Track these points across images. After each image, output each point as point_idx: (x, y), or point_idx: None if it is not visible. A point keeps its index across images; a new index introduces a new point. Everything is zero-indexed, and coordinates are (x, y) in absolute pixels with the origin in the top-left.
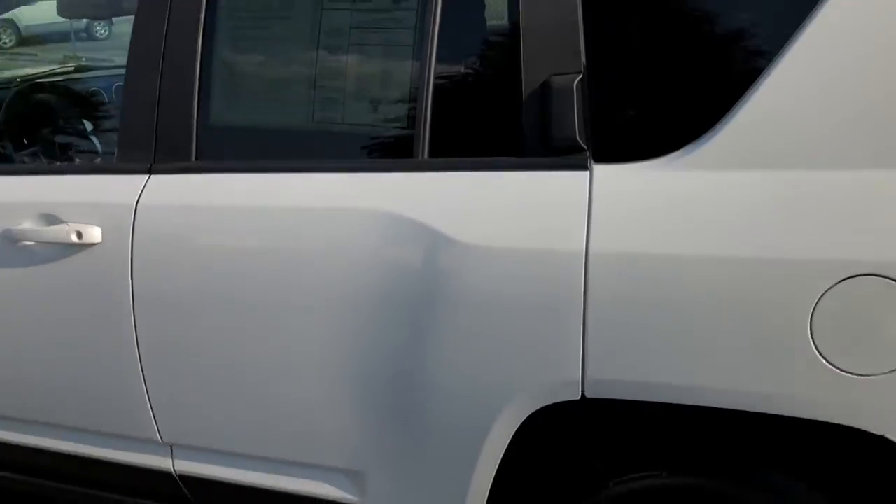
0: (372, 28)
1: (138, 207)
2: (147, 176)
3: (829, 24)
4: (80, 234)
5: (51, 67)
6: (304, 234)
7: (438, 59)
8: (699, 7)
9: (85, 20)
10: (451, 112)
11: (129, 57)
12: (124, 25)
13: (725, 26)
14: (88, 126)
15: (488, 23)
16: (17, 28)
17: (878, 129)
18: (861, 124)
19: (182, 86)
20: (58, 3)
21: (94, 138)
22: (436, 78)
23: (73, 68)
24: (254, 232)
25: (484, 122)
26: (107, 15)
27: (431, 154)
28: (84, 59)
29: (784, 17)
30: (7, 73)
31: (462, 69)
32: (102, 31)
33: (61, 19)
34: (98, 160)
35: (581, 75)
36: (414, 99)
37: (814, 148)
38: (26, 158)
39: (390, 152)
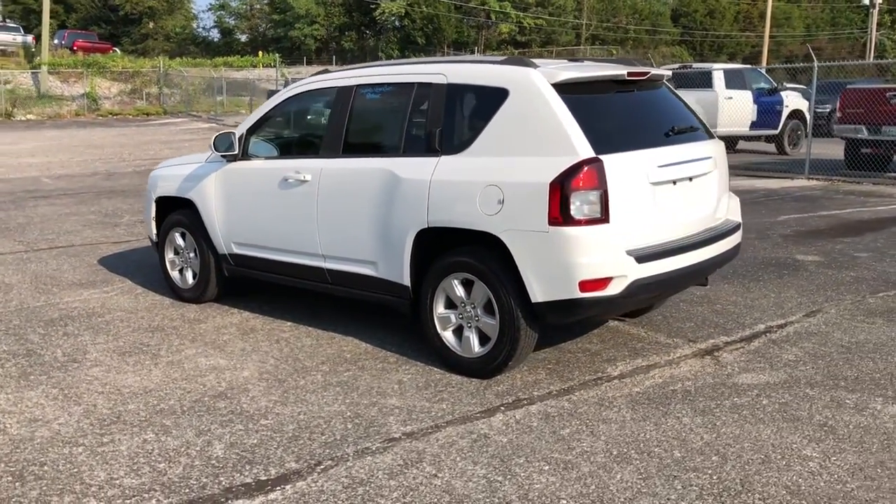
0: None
1: (322, 170)
2: (327, 160)
3: (504, 114)
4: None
5: None
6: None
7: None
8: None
9: None
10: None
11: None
12: None
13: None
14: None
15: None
16: None
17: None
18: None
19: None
20: None
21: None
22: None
23: None
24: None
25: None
26: None
27: (407, 149)
28: None
29: (487, 111)
30: None
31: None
32: None
33: None
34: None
35: (440, 128)
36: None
37: (501, 150)
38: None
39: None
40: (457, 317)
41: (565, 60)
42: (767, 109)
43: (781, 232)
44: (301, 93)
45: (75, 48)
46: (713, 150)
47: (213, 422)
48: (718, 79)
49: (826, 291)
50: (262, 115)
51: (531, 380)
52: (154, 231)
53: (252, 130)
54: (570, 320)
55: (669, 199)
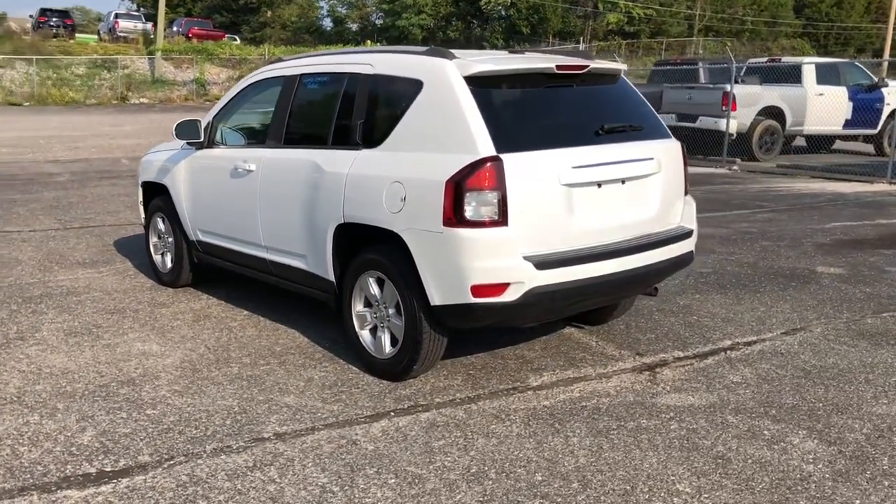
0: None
1: (263, 160)
2: (270, 150)
3: (417, 107)
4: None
5: None
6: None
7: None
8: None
9: None
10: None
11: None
12: None
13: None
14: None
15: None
16: None
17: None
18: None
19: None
20: None
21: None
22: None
23: None
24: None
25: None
26: None
27: (335, 141)
28: None
29: (404, 104)
30: None
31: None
32: None
33: None
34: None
35: (362, 120)
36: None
37: (412, 144)
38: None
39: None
40: (372, 316)
41: (504, 53)
42: (865, 107)
43: (818, 240)
44: (258, 81)
45: (190, 35)
46: (659, 150)
47: (103, 408)
48: (809, 74)
49: (825, 307)
50: (226, 102)
51: (443, 385)
52: (142, 215)
53: (217, 118)
54: (470, 326)
55: (591, 202)
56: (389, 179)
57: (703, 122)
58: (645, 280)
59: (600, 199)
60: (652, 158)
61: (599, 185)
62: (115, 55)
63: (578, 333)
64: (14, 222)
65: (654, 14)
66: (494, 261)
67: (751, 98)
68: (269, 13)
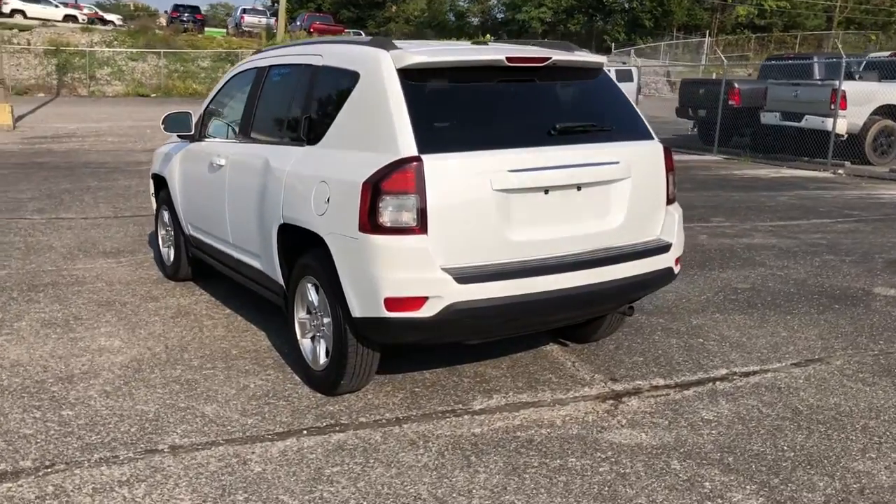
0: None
1: (230, 156)
2: (237, 145)
3: (352, 101)
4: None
5: None
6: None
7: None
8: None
9: None
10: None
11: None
12: None
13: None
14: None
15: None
16: None
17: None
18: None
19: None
20: None
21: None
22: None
23: None
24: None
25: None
26: None
27: (286, 137)
28: None
29: (342, 98)
30: None
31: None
32: None
33: None
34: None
35: (308, 115)
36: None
37: (344, 141)
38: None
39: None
40: (311, 324)
41: (465, 43)
42: None
43: (894, 257)
44: (240, 72)
45: (312, 30)
46: (628, 153)
47: (23, 406)
48: None
49: (860, 336)
50: (214, 94)
51: (377, 402)
52: (154, 206)
53: (207, 111)
54: (394, 342)
55: (535, 210)
56: (317, 179)
57: (810, 122)
58: (607, 298)
59: (548, 207)
60: (617, 162)
61: (546, 192)
62: (237, 49)
63: (558, 351)
64: (73, 209)
65: (787, 6)
66: (410, 272)
67: (865, 96)
68: (394, 8)
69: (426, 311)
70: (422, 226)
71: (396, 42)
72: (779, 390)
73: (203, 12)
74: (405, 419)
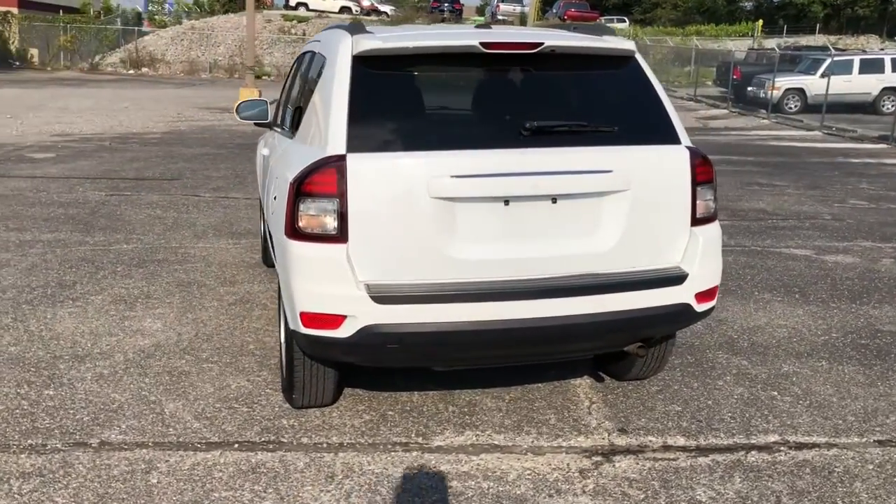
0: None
1: (273, 147)
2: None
3: (317, 90)
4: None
5: None
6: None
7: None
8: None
9: None
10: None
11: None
12: None
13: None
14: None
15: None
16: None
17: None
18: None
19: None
20: None
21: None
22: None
23: None
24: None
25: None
26: None
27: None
28: None
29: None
30: None
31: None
32: None
33: None
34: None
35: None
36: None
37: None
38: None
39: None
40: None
41: (468, 27)
42: None
43: None
44: (299, 56)
45: (566, 17)
46: (628, 161)
47: (14, 381)
48: None
49: None
50: (287, 80)
51: (336, 423)
52: (260, 193)
53: (282, 97)
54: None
55: (491, 223)
56: (275, 174)
57: None
58: (592, 335)
59: (509, 222)
60: (610, 171)
61: (507, 203)
62: None
63: (585, 386)
64: (245, 190)
65: None
66: (326, 286)
67: None
68: None
69: (343, 332)
70: (341, 234)
71: (373, 28)
72: (828, 475)
73: (461, 2)
74: (348, 446)
